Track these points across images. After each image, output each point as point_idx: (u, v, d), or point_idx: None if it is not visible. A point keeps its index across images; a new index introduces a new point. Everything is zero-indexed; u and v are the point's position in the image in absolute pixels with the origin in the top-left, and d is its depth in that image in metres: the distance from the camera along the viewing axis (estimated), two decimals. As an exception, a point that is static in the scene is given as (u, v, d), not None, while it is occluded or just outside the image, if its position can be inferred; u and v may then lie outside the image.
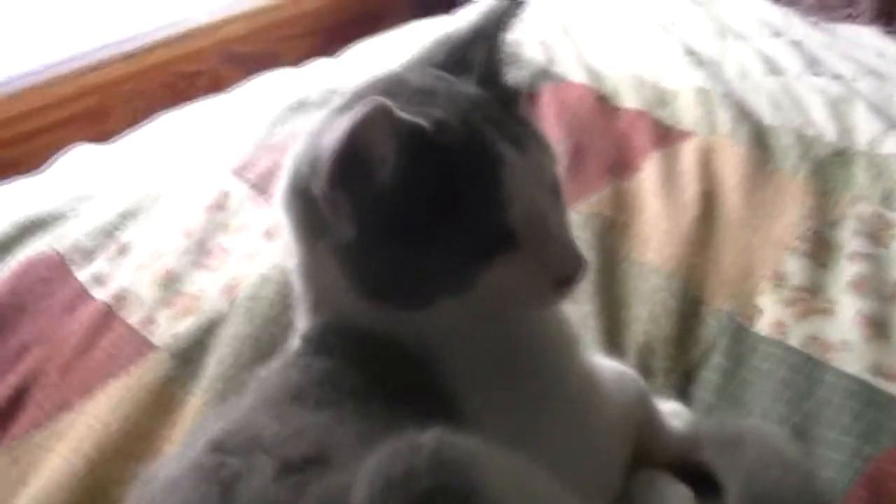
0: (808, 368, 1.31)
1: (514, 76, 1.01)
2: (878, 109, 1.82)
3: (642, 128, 1.83)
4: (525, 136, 0.93)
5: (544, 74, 2.04)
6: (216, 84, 2.47)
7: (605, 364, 1.16)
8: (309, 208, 0.91)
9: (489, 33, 1.00)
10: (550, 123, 1.83)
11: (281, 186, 0.96)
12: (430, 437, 0.76)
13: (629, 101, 1.93)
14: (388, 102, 0.83)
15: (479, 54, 0.99)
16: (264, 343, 1.40)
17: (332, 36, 2.67)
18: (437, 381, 0.92)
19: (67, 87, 2.50)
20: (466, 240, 0.88)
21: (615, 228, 1.59)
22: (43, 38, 2.51)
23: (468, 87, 0.95)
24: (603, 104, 1.93)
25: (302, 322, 1.01)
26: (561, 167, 0.97)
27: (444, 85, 0.95)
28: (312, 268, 0.97)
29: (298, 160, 0.93)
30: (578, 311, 1.27)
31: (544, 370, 1.00)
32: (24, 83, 2.45)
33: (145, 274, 1.58)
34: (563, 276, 0.93)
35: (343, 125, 0.83)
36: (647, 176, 1.70)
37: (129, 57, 2.59)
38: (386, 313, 0.93)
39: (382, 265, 0.91)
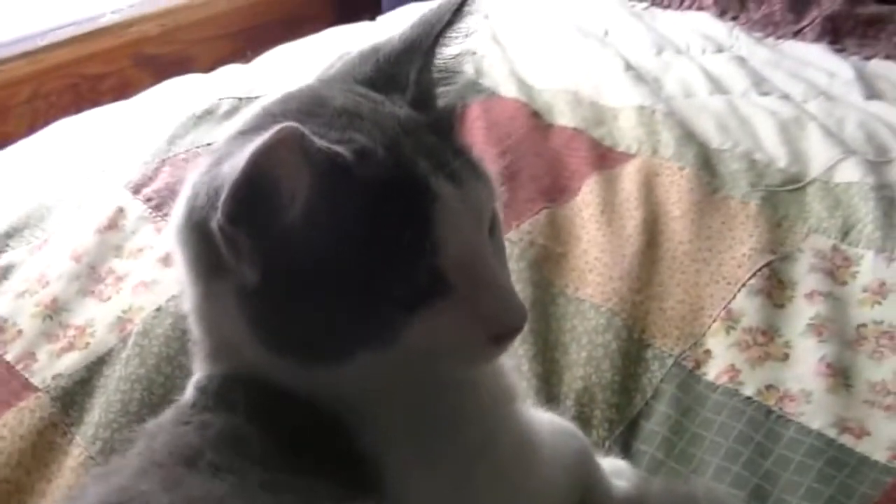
0: (766, 423, 1.20)
1: (450, 97, 0.90)
2: (830, 133, 1.70)
3: (579, 148, 1.69)
4: (462, 168, 0.82)
5: (472, 87, 1.88)
6: (124, 87, 2.38)
7: (543, 418, 1.06)
8: (206, 244, 0.80)
9: (424, 46, 0.89)
10: (479, 141, 1.69)
11: (175, 216, 0.84)
12: None
13: (564, 118, 1.79)
14: (301, 128, 0.72)
15: (411, 71, 0.88)
16: (158, 386, 1.28)
17: (249, 39, 2.59)
18: (355, 446, 0.83)
19: (-40, 86, 2.38)
20: (390, 287, 0.78)
21: (550, 259, 1.45)
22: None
23: (398, 109, 0.85)
24: (536, 121, 1.79)
25: (199, 369, 0.89)
26: (500, 203, 0.87)
27: (369, 105, 0.84)
28: (210, 312, 0.85)
29: (196, 187, 0.81)
30: (511, 354, 1.15)
31: (477, 431, 0.90)
32: None
33: (27, 302, 1.42)
34: (501, 330, 0.83)
35: (246, 152, 0.71)
36: (585, 201, 1.56)
37: (29, 55, 2.48)
38: (296, 368, 0.81)
39: (290, 315, 0.79)
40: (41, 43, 2.49)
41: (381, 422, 0.83)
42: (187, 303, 0.87)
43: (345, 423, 0.82)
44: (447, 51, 0.89)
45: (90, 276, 1.47)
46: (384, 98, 0.86)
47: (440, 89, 0.89)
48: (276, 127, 0.71)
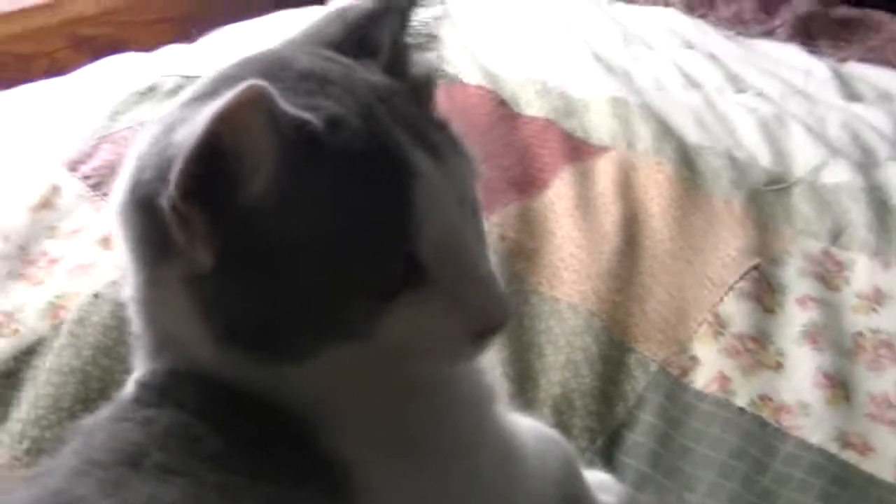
0: (762, 436, 1.11)
1: (427, 64, 0.80)
2: (814, 133, 1.61)
3: (550, 139, 1.60)
4: (443, 141, 0.74)
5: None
6: (55, 69, 2.19)
7: (525, 425, 0.96)
8: (152, 224, 0.70)
9: (400, 6, 0.79)
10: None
11: (117, 192, 0.74)
12: None
13: (532, 108, 1.69)
14: (269, 87, 0.63)
15: (385, 32, 0.78)
16: (95, 380, 1.15)
17: (189, 23, 2.40)
18: (320, 449, 0.74)
19: None
20: (363, 274, 0.69)
21: (522, 255, 1.35)
22: None
23: (372, 75, 0.75)
24: (504, 110, 1.68)
25: (140, 365, 0.79)
26: (481, 182, 0.78)
27: (340, 70, 0.74)
28: (155, 300, 0.75)
29: (142, 160, 0.71)
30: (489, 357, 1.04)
31: (456, 435, 0.81)
32: None
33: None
34: (484, 325, 0.74)
35: (205, 115, 0.63)
36: (558, 194, 1.46)
37: None
38: (254, 365, 0.72)
39: (249, 305, 0.70)
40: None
41: (349, 423, 0.74)
42: (128, 290, 0.77)
43: (309, 423, 0.74)
44: (423, 12, 0.80)
45: (20, 257, 1.35)
46: (356, 63, 0.76)
47: (418, 56, 0.80)
48: (241, 85, 0.62)
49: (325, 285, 0.68)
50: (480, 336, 0.74)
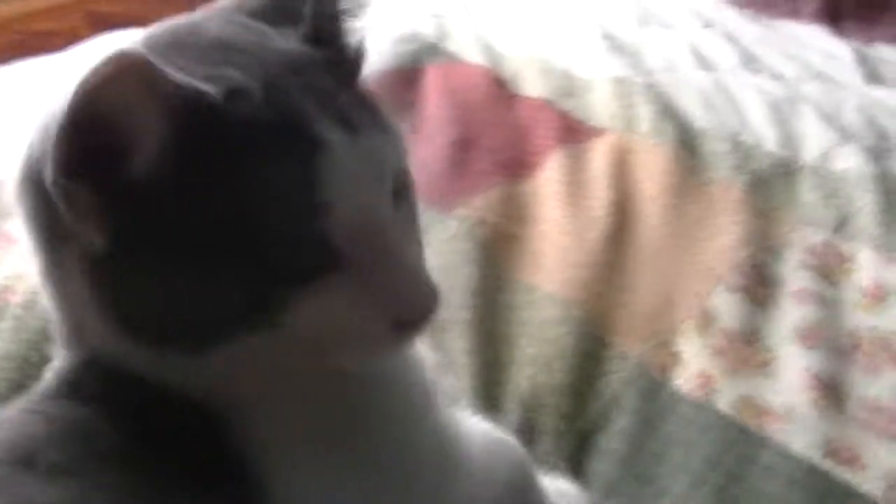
0: (740, 443, 1.02)
1: (356, 35, 0.74)
2: (827, 118, 1.51)
3: (545, 120, 1.51)
4: (361, 115, 0.68)
5: (433, 51, 1.70)
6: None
7: (476, 427, 0.89)
8: (44, 203, 0.66)
9: None
10: (433, 108, 1.51)
11: (15, 170, 0.69)
12: None
13: (531, 88, 1.61)
14: (145, 55, 0.59)
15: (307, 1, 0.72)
16: (32, 366, 1.07)
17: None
18: (229, 446, 0.69)
19: None
20: (267, 256, 0.63)
21: (502, 240, 1.27)
22: None
23: (288, 44, 0.70)
24: (500, 90, 1.60)
25: (58, 353, 0.74)
26: (411, 160, 0.72)
27: (252, 38, 0.70)
28: (58, 284, 0.71)
29: (35, 135, 0.67)
30: (443, 346, 1.03)
31: (384, 435, 0.76)
32: None
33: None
34: (404, 315, 0.68)
35: (73, 86, 0.58)
36: (548, 177, 1.37)
37: None
38: (155, 354, 0.67)
39: (145, 289, 0.66)
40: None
41: (265, 419, 0.70)
42: (37, 273, 0.72)
43: (216, 418, 0.69)
44: None
45: (-22, 236, 1.28)
46: (274, 31, 0.71)
47: (345, 24, 0.73)
48: (112, 54, 0.57)
49: (226, 269, 0.63)
50: (402, 327, 0.68)
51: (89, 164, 0.61)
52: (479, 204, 1.31)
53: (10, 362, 1.09)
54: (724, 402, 1.06)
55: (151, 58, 0.58)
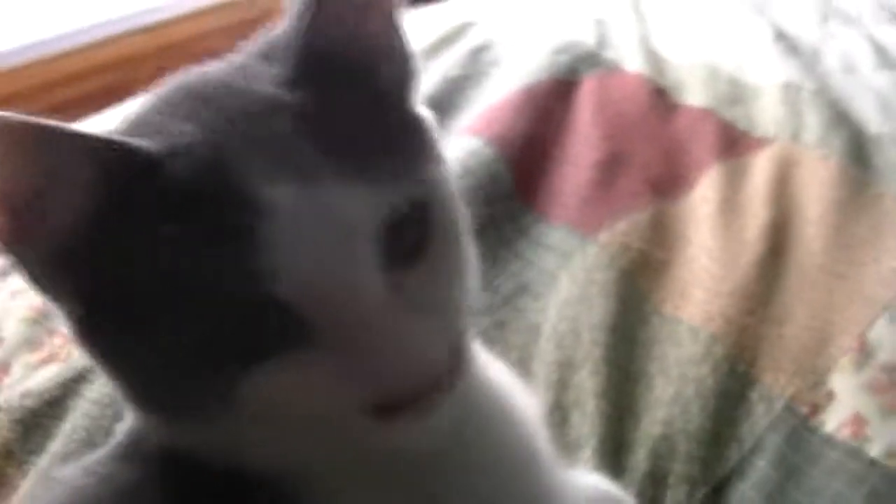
0: (894, 497, 0.91)
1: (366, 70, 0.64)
2: None
3: (704, 132, 1.41)
4: (330, 166, 0.57)
5: (591, 60, 1.61)
6: None
7: (580, 484, 0.83)
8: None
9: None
10: (585, 122, 1.42)
11: None
12: None
13: (694, 97, 1.50)
14: (15, 118, 0.53)
15: (288, 37, 0.63)
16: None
17: None
18: None
19: (80, 62, 2.31)
20: (213, 327, 0.56)
21: (646, 268, 1.18)
22: (53, 7, 2.35)
23: (262, 87, 0.61)
24: (659, 99, 1.50)
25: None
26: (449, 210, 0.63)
27: (227, 88, 0.62)
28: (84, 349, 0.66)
29: None
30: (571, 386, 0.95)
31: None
32: (29, 56, 2.28)
33: (19, 304, 1.21)
34: (383, 399, 0.58)
35: None
36: (702, 196, 1.28)
37: (150, 30, 2.40)
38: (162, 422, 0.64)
39: (120, 354, 0.61)
40: (162, 17, 2.41)
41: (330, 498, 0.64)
42: None
43: (278, 490, 0.63)
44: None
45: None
46: (260, 75, 0.62)
47: (340, 60, 0.63)
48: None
49: (177, 338, 0.57)
50: (385, 413, 0.58)
51: (24, 229, 0.58)
52: (625, 228, 1.22)
53: (110, 409, 1.05)
54: (878, 447, 0.95)
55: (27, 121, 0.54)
